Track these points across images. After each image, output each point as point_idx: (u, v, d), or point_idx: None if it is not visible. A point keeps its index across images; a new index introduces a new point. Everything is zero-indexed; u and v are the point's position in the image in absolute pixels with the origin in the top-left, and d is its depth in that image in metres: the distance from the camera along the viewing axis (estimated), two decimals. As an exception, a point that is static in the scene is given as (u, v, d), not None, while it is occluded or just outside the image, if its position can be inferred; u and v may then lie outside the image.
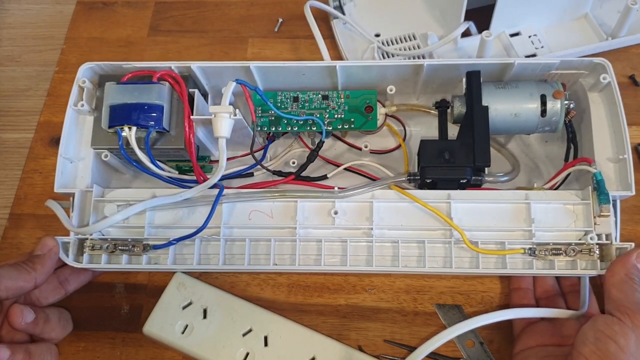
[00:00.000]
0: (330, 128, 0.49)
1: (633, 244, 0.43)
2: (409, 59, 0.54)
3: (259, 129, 0.49)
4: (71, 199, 0.46)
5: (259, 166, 0.49)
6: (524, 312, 0.45)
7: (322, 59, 0.57)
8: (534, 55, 0.57)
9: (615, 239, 0.43)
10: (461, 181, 0.45)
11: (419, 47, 0.58)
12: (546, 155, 0.52)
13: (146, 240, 0.46)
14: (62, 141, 0.46)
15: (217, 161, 0.50)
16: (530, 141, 0.52)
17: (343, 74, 0.48)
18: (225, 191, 0.46)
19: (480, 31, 0.56)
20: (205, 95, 0.50)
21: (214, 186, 0.45)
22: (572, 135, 0.48)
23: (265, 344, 0.45)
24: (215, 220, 0.45)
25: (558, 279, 0.48)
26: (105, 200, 0.47)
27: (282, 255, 0.46)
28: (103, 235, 0.46)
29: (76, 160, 0.48)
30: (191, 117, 0.45)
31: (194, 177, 0.47)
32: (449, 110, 0.48)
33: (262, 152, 0.51)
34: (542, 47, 0.57)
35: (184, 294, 0.47)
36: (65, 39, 0.64)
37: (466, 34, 0.57)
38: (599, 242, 0.43)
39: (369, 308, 0.49)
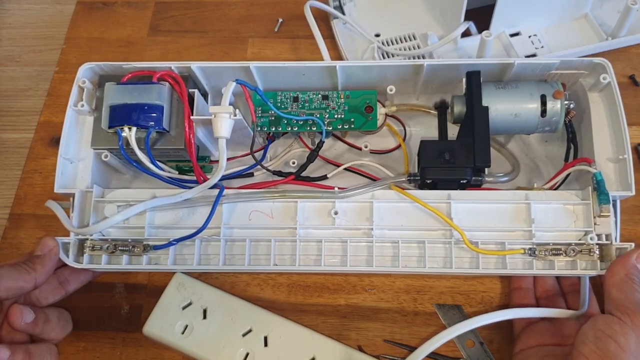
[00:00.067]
0: (330, 128, 0.49)
1: (633, 244, 0.43)
2: (409, 59, 0.54)
3: (259, 129, 0.49)
4: (71, 199, 0.46)
5: (259, 166, 0.49)
6: (524, 312, 0.45)
7: (322, 59, 0.57)
8: (534, 55, 0.57)
9: (615, 239, 0.44)
10: (461, 181, 0.45)
11: (419, 47, 0.58)
12: (546, 155, 0.52)
13: (146, 240, 0.46)
14: (62, 141, 0.46)
15: (217, 161, 0.50)
16: (530, 141, 0.52)
17: (343, 74, 0.48)
18: (226, 191, 0.46)
19: (480, 31, 0.56)
20: (205, 95, 0.50)
21: (214, 186, 0.45)
22: (572, 135, 0.48)
23: (265, 344, 0.45)
24: (215, 220, 0.45)
25: (558, 278, 0.48)
26: (106, 201, 0.47)
27: (283, 255, 0.46)
28: (103, 235, 0.46)
29: (76, 160, 0.48)
30: (191, 117, 0.45)
31: (194, 178, 0.47)
32: (448, 111, 0.48)
33: (262, 152, 0.51)
34: (542, 47, 0.57)
35: (184, 294, 0.47)
36: (65, 39, 0.64)
37: (466, 34, 0.57)
38: (599, 242, 0.43)
39: (369, 308, 0.49)
